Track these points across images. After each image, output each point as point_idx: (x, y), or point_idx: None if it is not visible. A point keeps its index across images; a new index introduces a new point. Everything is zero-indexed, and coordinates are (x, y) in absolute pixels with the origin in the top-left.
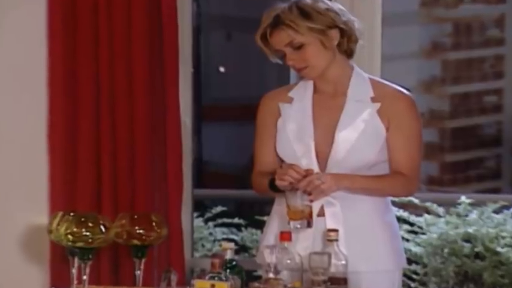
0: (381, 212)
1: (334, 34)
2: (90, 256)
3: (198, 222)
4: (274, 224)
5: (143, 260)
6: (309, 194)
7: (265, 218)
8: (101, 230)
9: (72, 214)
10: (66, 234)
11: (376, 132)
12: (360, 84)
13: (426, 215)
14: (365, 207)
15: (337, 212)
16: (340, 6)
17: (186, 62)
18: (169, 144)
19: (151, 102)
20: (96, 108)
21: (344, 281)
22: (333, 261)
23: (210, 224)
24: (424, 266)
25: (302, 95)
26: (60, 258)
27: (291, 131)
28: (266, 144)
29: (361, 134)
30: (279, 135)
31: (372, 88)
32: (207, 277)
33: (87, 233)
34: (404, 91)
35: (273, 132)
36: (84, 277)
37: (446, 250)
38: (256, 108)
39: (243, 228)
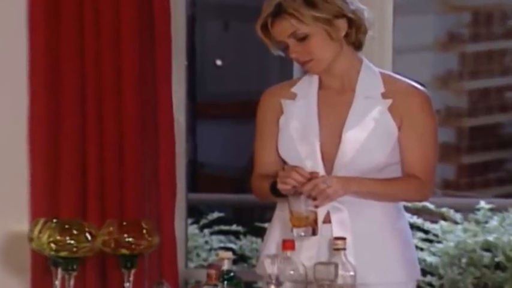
0: (392, 219)
1: (342, 24)
2: (75, 266)
3: (193, 229)
4: (275, 232)
5: (133, 271)
6: (314, 198)
7: (266, 225)
8: (86, 238)
9: (55, 221)
10: (49, 242)
11: (387, 132)
12: (370, 78)
13: (442, 222)
14: (375, 213)
15: (344, 218)
16: None
17: (179, 54)
18: (161, 144)
19: (142, 99)
20: (81, 106)
21: None
22: (340, 272)
23: (206, 231)
24: (440, 277)
25: (306, 90)
26: (42, 269)
27: (294, 129)
28: (267, 145)
29: (370, 133)
30: (281, 135)
31: (383, 83)
32: None
33: (72, 242)
34: (418, 86)
35: (275, 131)
36: None
37: (464, 260)
38: (256, 105)
39: (241, 236)
